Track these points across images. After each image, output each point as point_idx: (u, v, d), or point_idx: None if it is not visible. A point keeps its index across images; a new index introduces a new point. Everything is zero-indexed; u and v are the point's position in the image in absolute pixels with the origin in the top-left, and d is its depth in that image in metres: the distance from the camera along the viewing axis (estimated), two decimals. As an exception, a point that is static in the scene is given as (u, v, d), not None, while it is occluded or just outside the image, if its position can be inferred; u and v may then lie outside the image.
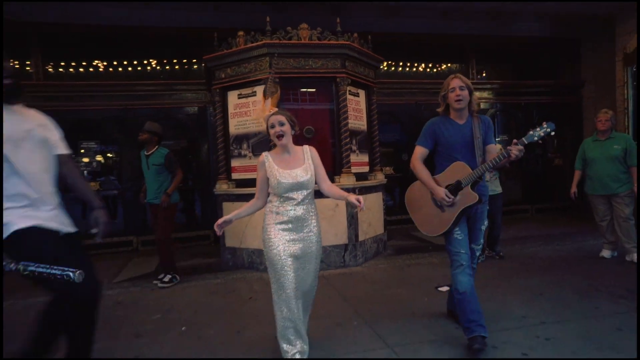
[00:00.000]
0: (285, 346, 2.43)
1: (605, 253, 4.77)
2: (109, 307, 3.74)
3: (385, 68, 7.54)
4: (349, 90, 5.15)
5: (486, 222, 2.92)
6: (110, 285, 4.58)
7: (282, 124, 2.50)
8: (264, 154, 2.60)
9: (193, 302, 3.93)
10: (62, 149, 2.25)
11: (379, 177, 5.58)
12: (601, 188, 4.58)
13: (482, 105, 7.85)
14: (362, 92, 5.53)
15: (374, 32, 5.89)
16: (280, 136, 2.50)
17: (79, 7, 5.70)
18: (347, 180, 4.89)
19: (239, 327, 3.24)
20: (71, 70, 6.57)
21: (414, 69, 7.86)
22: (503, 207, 5.09)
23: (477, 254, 2.90)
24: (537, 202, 8.07)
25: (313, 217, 2.58)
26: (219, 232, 2.53)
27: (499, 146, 5.16)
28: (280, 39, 4.78)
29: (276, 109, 2.65)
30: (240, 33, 4.95)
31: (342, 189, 2.69)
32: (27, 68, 6.19)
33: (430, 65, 7.93)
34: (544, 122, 2.46)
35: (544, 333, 2.81)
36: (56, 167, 2.22)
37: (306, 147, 2.65)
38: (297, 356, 2.41)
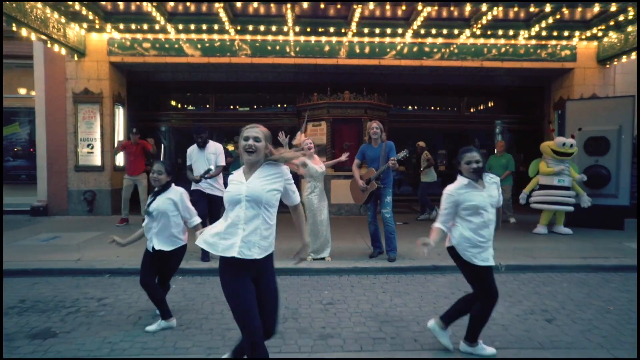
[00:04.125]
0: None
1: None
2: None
3: (408, 105, 12.06)
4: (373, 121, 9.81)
5: (388, 198, 5.53)
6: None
7: (311, 143, 5.51)
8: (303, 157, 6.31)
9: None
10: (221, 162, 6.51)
11: (385, 171, 10.16)
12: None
13: (471, 130, 12.07)
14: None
15: (401, 83, 10.54)
16: (309, 149, 5.48)
17: (236, 72, 10.97)
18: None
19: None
20: (231, 106, 12.03)
21: (426, 107, 12.28)
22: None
23: (387, 215, 5.52)
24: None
25: (324, 193, 5.56)
26: None
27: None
28: (333, 99, 9.63)
29: (309, 138, 5.80)
30: (315, 95, 9.87)
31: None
32: (207, 105, 11.78)
33: (433, 104, 12.30)
34: (405, 150, 5.41)
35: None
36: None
37: (317, 159, 5.69)
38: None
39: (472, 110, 12.57)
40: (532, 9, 7.37)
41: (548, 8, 7.32)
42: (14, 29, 7.03)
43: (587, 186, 7.77)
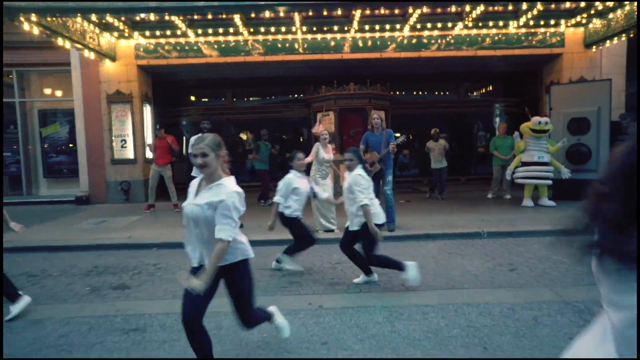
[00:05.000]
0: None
1: (490, 195, 9.83)
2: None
3: (409, 92, 12.91)
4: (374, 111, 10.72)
5: (389, 178, 6.53)
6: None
7: (327, 133, 7.34)
8: (317, 144, 6.72)
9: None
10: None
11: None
12: (501, 161, 9.63)
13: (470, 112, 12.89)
14: (383, 113, 11.05)
15: (402, 72, 11.38)
16: (325, 138, 6.79)
17: (250, 69, 11.95)
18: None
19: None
20: (246, 99, 13.05)
21: (428, 93, 13.11)
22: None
23: (388, 192, 6.49)
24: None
25: (330, 177, 7.44)
26: None
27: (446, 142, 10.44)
28: (340, 90, 10.55)
29: (325, 129, 7.62)
30: (323, 87, 10.80)
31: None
32: (223, 99, 12.79)
33: (433, 90, 13.13)
34: (403, 135, 7.27)
35: (432, 215, 8.32)
36: None
37: (329, 147, 7.94)
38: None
39: (471, 94, 13.38)
40: (510, 8, 8.13)
41: (524, 6, 8.11)
42: (60, 43, 8.12)
43: (570, 162, 8.63)
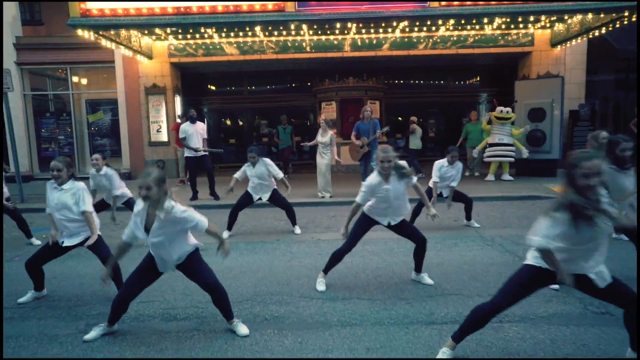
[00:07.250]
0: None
1: (466, 173, 11.75)
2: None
3: (402, 83, 14.75)
4: (370, 102, 12.61)
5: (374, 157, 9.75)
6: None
7: (324, 120, 9.92)
8: (319, 129, 9.94)
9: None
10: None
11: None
12: (471, 143, 11.53)
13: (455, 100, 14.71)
14: (377, 102, 12.93)
15: (396, 67, 13.22)
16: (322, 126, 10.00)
17: (264, 64, 13.83)
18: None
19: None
20: (260, 89, 14.98)
21: (419, 84, 14.95)
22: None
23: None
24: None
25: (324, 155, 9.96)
26: None
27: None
28: (341, 83, 12.43)
29: (323, 117, 9.95)
30: (326, 80, 12.67)
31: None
32: (240, 88, 14.75)
33: (423, 81, 14.96)
34: (387, 126, 9.33)
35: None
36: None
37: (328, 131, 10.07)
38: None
39: (458, 84, 15.20)
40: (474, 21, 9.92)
41: (485, 20, 9.89)
42: (113, 47, 10.11)
43: (529, 145, 10.50)
